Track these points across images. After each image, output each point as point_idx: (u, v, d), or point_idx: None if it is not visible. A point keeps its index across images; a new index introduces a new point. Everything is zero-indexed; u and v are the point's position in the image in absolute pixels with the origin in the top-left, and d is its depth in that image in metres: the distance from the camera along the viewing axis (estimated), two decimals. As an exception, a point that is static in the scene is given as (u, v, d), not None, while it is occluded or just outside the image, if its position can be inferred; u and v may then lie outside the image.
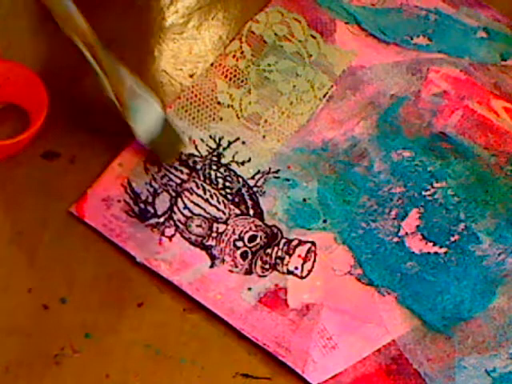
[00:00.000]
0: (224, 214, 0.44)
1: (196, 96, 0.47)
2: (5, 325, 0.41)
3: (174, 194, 0.44)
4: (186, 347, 0.41)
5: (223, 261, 0.43)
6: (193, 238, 0.43)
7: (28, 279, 0.42)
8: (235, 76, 0.48)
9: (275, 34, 0.49)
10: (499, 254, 0.45)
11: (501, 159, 0.47)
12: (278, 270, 0.43)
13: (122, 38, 0.48)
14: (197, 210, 0.44)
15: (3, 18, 0.49)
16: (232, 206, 0.45)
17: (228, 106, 0.47)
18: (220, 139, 0.46)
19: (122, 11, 0.50)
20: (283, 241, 0.44)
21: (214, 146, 0.46)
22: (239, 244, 0.44)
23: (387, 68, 0.49)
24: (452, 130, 0.48)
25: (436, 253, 0.44)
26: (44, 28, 0.48)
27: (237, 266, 0.43)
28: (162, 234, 0.43)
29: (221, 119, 0.47)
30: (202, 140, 0.46)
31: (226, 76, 0.48)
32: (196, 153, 0.46)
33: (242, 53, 0.49)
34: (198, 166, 0.45)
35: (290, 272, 0.43)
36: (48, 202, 0.44)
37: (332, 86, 0.49)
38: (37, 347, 0.40)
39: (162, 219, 0.44)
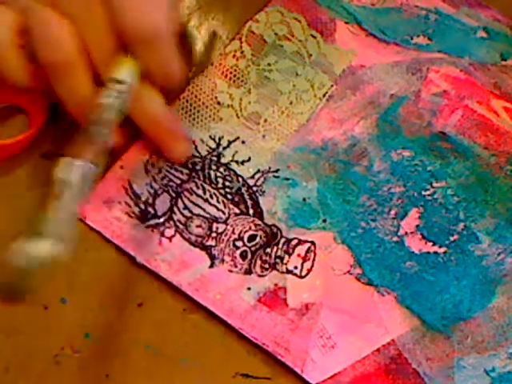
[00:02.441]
0: (224, 213, 0.44)
1: (196, 96, 0.47)
2: (5, 325, 0.41)
3: (174, 194, 0.44)
4: (186, 347, 0.41)
5: (223, 261, 0.43)
6: (192, 238, 0.44)
7: (28, 279, 0.42)
8: (235, 76, 0.48)
9: (275, 34, 0.49)
10: (499, 254, 0.45)
11: (501, 159, 0.47)
12: (278, 270, 0.43)
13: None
14: (196, 210, 0.44)
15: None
16: (232, 206, 0.45)
17: (228, 105, 0.47)
18: (220, 139, 0.46)
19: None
20: (283, 240, 0.44)
21: (213, 145, 0.46)
22: (239, 244, 0.44)
23: (387, 68, 0.49)
24: (452, 130, 0.48)
25: (435, 252, 0.44)
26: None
27: (236, 266, 0.43)
28: (162, 234, 0.43)
29: (221, 119, 0.47)
30: (201, 140, 0.46)
31: (226, 76, 0.48)
32: (196, 153, 0.46)
33: (242, 52, 0.49)
34: (198, 167, 0.45)
35: (289, 271, 0.43)
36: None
37: (332, 86, 0.49)
38: (37, 347, 0.40)
39: (162, 220, 0.44)
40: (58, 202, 0.36)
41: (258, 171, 0.46)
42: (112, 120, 0.39)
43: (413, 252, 0.44)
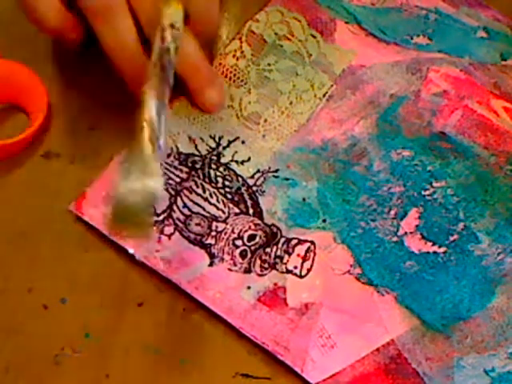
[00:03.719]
0: (223, 212, 0.44)
1: (196, 95, 0.47)
2: (5, 325, 0.41)
3: (173, 192, 0.44)
4: (186, 347, 0.41)
5: (222, 259, 0.43)
6: (192, 236, 0.44)
7: (28, 279, 0.42)
8: (235, 76, 0.48)
9: (275, 34, 0.49)
10: (498, 254, 0.45)
11: (500, 159, 0.47)
12: (277, 269, 0.43)
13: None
14: (196, 209, 0.44)
15: (3, 17, 0.49)
16: (231, 205, 0.45)
17: (228, 105, 0.47)
18: (220, 138, 0.46)
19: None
20: (282, 240, 0.44)
21: (213, 145, 0.46)
22: (238, 243, 0.44)
23: (387, 67, 0.49)
24: (452, 130, 0.48)
25: (435, 252, 0.44)
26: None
27: (236, 265, 0.43)
28: (161, 232, 0.43)
29: (221, 119, 0.47)
30: (201, 139, 0.46)
31: (226, 76, 0.48)
32: (196, 152, 0.46)
33: (241, 52, 0.49)
34: (198, 165, 0.45)
35: (289, 271, 0.43)
36: (48, 202, 0.44)
37: (332, 86, 0.49)
38: (37, 347, 0.40)
39: (161, 217, 0.44)
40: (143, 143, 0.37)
41: (258, 171, 0.46)
42: (174, 61, 0.40)
43: (412, 252, 0.44)
